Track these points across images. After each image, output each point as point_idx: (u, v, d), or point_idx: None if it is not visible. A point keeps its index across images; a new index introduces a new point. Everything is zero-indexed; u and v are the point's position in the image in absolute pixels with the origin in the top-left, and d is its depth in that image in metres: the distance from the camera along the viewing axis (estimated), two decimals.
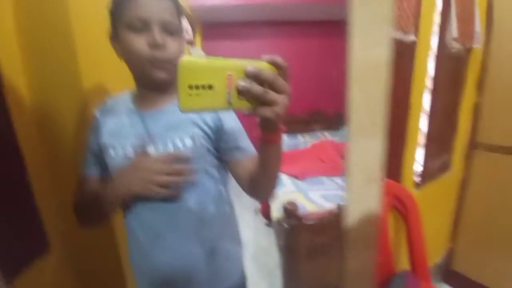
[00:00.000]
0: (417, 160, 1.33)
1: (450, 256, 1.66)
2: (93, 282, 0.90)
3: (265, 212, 2.22)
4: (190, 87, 0.31)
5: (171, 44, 0.55)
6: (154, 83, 0.58)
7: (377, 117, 0.32)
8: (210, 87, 0.32)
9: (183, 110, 0.32)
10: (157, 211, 0.60)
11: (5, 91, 0.67)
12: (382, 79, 0.31)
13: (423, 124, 1.29)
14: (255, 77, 0.33)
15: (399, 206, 1.14)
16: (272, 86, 0.35)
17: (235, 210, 0.74)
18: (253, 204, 2.36)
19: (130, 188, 0.57)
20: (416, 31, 1.07)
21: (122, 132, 0.61)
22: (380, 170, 0.36)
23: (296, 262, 1.48)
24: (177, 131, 0.59)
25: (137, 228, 0.63)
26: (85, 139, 0.68)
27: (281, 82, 0.35)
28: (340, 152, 2.27)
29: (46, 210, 0.77)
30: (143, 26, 0.53)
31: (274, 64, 0.35)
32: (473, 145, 1.51)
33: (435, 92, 1.27)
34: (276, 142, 0.46)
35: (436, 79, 1.25)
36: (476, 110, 1.49)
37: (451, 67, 1.33)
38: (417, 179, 1.33)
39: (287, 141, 2.91)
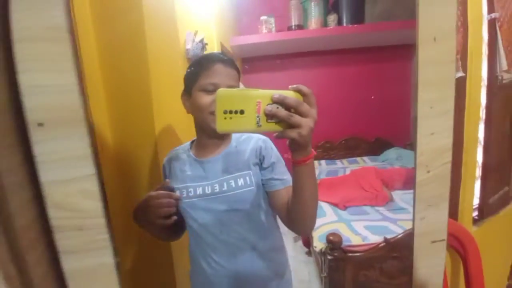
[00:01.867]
0: (475, 194, 1.26)
1: None
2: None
3: (305, 241, 2.19)
4: (225, 112, 0.38)
5: None
6: (215, 132, 0.68)
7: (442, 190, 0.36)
8: (242, 112, 0.38)
9: (219, 131, 0.39)
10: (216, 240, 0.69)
11: (95, 136, 0.82)
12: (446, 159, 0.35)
13: (480, 157, 1.24)
14: (281, 103, 0.39)
15: (457, 244, 1.07)
16: (297, 111, 0.40)
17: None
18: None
19: (146, 220, 0.66)
20: (465, 65, 1.07)
21: (184, 177, 0.72)
22: (445, 233, 0.39)
23: None
24: (233, 173, 0.69)
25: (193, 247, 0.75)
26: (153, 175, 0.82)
27: (305, 107, 0.41)
28: (384, 179, 2.20)
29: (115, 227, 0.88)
30: (213, 89, 0.66)
31: (299, 91, 0.41)
32: None
33: (489, 123, 1.23)
34: (306, 163, 0.49)
35: (489, 110, 1.21)
36: None
37: (504, 97, 1.28)
38: (476, 214, 1.25)
39: (325, 167, 2.90)
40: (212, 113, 0.66)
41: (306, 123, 0.41)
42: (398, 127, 2.65)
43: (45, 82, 0.25)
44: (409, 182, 2.00)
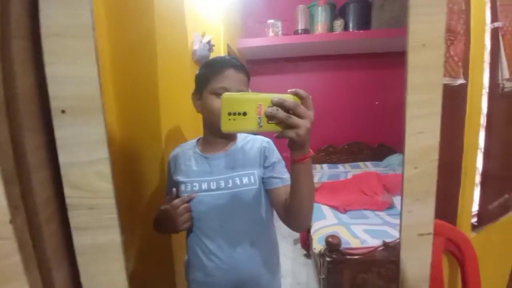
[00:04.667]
0: (475, 201, 1.26)
1: None
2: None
3: (304, 243, 2.20)
4: (229, 113, 0.43)
5: None
6: (223, 133, 0.72)
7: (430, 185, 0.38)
8: (244, 113, 0.42)
9: (224, 131, 0.43)
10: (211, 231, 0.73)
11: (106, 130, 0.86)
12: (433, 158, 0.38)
13: (480, 163, 1.25)
14: (280, 105, 0.43)
15: (454, 249, 1.08)
16: (294, 112, 0.44)
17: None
18: (292, 234, 2.36)
19: (169, 230, 0.75)
20: (466, 73, 1.09)
21: (190, 172, 0.75)
22: (432, 226, 0.41)
23: None
24: (238, 170, 0.72)
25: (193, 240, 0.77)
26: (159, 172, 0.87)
27: (302, 109, 0.44)
28: (385, 185, 2.21)
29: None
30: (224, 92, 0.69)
31: (296, 95, 0.45)
32: None
33: (489, 131, 1.23)
34: (304, 162, 0.51)
35: (489, 118, 1.23)
36: None
37: (506, 105, 1.29)
38: (475, 220, 1.26)
39: (327, 171, 2.91)
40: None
41: (303, 124, 0.44)
42: (402, 133, 2.66)
43: (69, 74, 0.28)
44: None
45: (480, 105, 1.22)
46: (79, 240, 0.31)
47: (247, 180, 0.71)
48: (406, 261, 0.40)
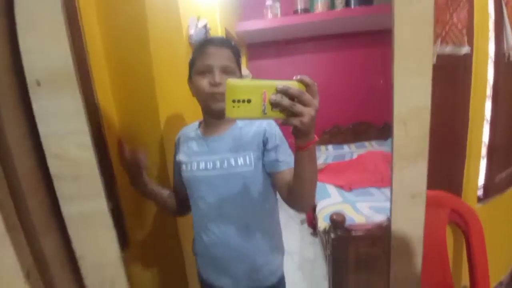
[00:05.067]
0: (481, 172, 1.24)
1: None
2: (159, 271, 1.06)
3: (311, 222, 2.23)
4: (233, 101, 0.42)
5: None
6: (215, 112, 0.73)
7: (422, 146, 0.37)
8: (249, 101, 0.42)
9: (228, 117, 0.43)
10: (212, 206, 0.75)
11: (101, 115, 0.86)
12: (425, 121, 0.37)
13: (487, 135, 1.22)
14: (284, 93, 0.42)
15: (459, 220, 1.08)
16: (299, 100, 0.43)
17: (280, 221, 0.84)
18: (299, 214, 2.39)
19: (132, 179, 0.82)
20: (471, 41, 1.04)
21: (190, 153, 0.77)
22: (424, 187, 0.40)
23: (343, 273, 1.47)
24: (234, 152, 0.73)
25: (195, 220, 0.81)
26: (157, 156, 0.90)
27: (307, 97, 0.43)
28: (390, 162, 2.18)
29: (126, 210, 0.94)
30: (208, 70, 0.70)
31: (302, 82, 0.43)
32: None
33: (495, 101, 1.20)
34: (308, 148, 0.52)
35: (496, 88, 1.18)
36: None
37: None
38: (481, 193, 1.24)
39: (332, 152, 2.89)
40: (209, 94, 0.70)
41: (308, 112, 0.44)
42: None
43: (42, 48, 0.28)
44: None
45: (486, 75, 1.17)
46: (66, 209, 0.32)
47: (242, 161, 0.72)
48: (398, 223, 0.40)
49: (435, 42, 1.04)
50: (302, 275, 1.85)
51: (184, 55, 1.19)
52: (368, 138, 3.01)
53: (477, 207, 1.20)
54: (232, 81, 0.42)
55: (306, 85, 0.44)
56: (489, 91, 1.21)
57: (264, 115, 0.42)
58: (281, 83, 0.42)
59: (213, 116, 0.76)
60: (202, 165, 0.74)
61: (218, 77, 0.69)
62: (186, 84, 0.80)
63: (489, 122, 1.22)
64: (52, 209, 0.32)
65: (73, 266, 0.34)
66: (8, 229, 0.25)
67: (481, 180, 1.26)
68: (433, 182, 0.92)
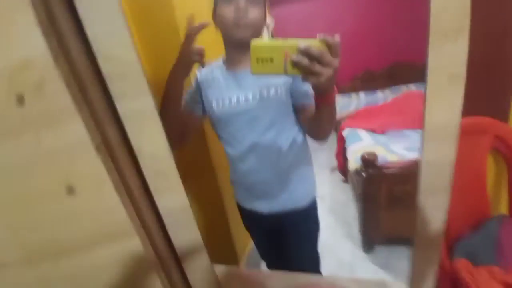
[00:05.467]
0: None
1: None
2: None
3: (342, 169, 2.24)
4: (257, 59, 0.46)
5: (253, 11, 0.69)
6: (238, 42, 0.72)
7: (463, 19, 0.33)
8: (271, 60, 0.45)
9: (253, 73, 0.47)
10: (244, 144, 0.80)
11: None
12: None
13: None
14: (305, 53, 0.44)
15: (502, 147, 1.01)
16: (319, 61, 0.45)
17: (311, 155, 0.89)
18: (329, 162, 2.41)
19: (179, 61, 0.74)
20: None
21: (220, 89, 0.79)
22: (464, 68, 0.38)
23: (374, 211, 1.50)
24: (265, 83, 0.74)
25: (230, 154, 0.85)
26: None
27: (327, 58, 0.45)
28: None
29: None
30: None
31: (325, 42, 0.45)
32: None
33: None
34: (326, 103, 0.58)
35: None
36: None
37: None
38: None
39: (364, 99, 2.76)
40: (233, 22, 0.69)
41: (326, 72, 0.46)
42: None
43: None
44: None
45: None
46: (121, 107, 0.37)
47: (274, 92, 0.74)
48: (433, 111, 0.39)
49: None
50: (333, 216, 1.94)
51: None
52: (407, 81, 2.76)
53: None
54: (256, 41, 0.45)
55: (328, 45, 0.45)
56: None
57: (285, 72, 0.46)
58: (303, 43, 0.44)
59: (237, 47, 0.75)
60: (234, 99, 0.77)
61: (242, 4, 0.67)
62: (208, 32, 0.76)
63: None
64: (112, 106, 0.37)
65: (132, 158, 0.40)
66: (76, 104, 0.31)
67: None
68: (477, 107, 0.86)
